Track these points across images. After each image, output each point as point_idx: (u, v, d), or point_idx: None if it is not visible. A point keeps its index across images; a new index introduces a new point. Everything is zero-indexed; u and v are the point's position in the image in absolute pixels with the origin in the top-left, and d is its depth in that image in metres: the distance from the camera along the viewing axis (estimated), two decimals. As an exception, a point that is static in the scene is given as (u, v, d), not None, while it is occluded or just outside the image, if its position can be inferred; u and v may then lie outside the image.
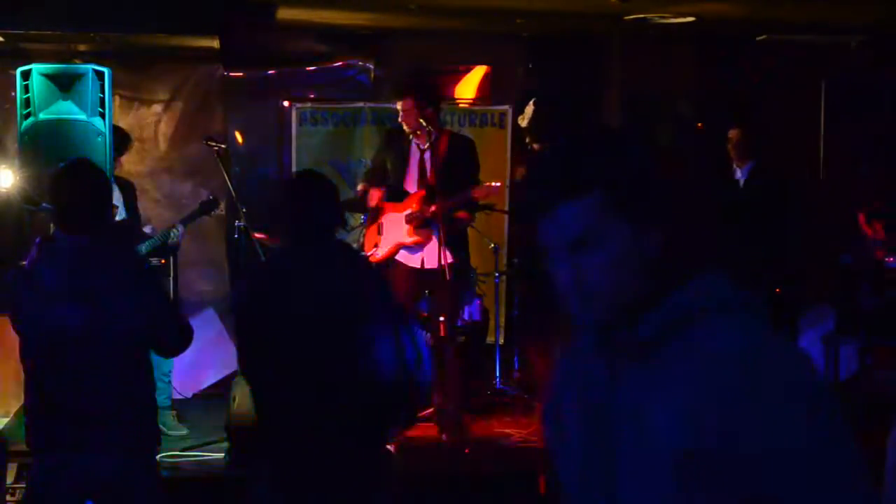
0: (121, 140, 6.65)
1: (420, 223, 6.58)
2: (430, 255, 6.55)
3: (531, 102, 8.84)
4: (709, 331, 1.67)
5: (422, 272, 6.59)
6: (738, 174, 7.53)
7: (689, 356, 1.66)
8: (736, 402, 1.59)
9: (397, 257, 6.67)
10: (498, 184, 6.94)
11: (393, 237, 6.65)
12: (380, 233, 6.72)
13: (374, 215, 6.81)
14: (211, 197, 7.18)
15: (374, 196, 6.81)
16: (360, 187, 6.95)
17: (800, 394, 1.60)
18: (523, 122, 8.85)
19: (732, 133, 7.52)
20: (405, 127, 6.56)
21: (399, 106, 6.55)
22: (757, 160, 7.50)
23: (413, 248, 6.61)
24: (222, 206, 7.81)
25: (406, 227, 6.61)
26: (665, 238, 1.71)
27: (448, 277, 6.31)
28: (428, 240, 6.59)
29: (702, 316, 1.69)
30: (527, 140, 8.85)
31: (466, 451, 6.28)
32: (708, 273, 1.74)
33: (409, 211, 6.60)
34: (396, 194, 6.70)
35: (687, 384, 1.64)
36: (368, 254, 6.73)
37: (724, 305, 1.70)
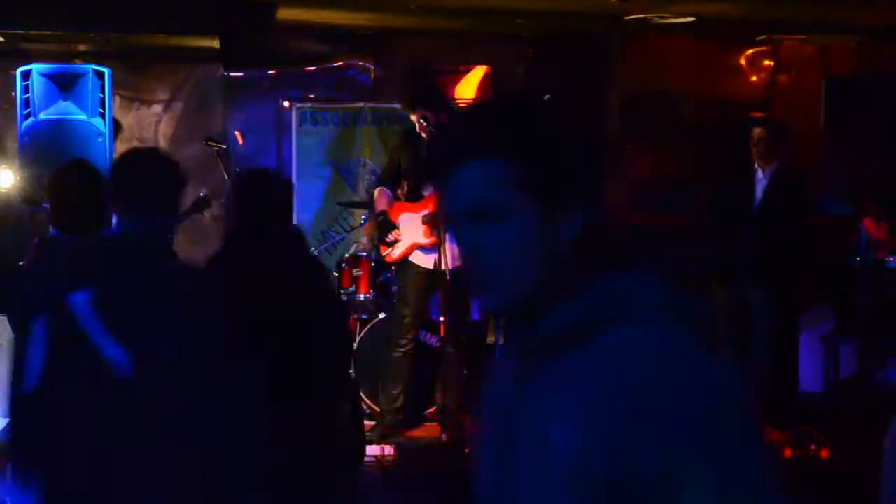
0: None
1: (437, 223, 6.56)
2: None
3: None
4: (617, 335, 1.46)
5: (434, 273, 6.58)
6: (761, 175, 7.21)
7: (592, 363, 1.46)
8: (633, 421, 1.40)
9: (411, 258, 6.66)
10: None
11: (409, 237, 6.64)
12: (391, 237, 6.69)
13: (381, 217, 6.76)
14: (203, 195, 7.23)
15: (382, 201, 6.75)
16: (376, 193, 6.83)
17: (708, 415, 1.41)
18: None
19: (756, 132, 7.21)
20: (422, 133, 6.52)
21: (413, 118, 6.51)
22: (781, 161, 7.19)
23: (428, 248, 6.60)
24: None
25: (423, 227, 6.60)
26: (585, 225, 1.52)
27: (448, 278, 6.30)
28: (444, 240, 6.58)
29: (612, 317, 1.48)
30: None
31: (466, 451, 6.29)
32: (636, 270, 1.53)
33: (425, 211, 6.59)
34: (412, 195, 6.69)
35: (585, 395, 1.44)
36: (384, 254, 6.71)
37: (643, 308, 1.49)
